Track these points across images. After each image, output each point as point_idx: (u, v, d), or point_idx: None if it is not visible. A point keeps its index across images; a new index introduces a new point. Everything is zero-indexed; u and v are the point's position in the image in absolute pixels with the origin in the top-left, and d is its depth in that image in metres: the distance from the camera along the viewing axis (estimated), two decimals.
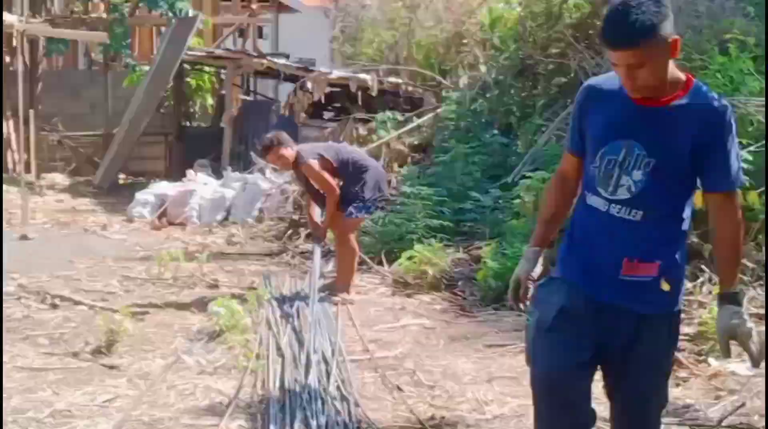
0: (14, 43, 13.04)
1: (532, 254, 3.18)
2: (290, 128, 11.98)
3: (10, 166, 14.51)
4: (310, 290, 7.11)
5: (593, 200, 2.96)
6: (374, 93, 13.02)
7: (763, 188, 6.81)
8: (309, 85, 12.68)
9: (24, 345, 5.98)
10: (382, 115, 11.84)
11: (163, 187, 12.58)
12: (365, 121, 12.14)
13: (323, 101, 13.79)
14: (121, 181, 16.01)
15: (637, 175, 2.87)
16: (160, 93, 15.23)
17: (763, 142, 7.00)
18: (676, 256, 2.98)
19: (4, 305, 6.96)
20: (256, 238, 10.72)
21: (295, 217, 10.71)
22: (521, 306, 3.20)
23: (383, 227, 9.14)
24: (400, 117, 11.92)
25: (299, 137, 12.60)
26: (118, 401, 4.94)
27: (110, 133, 16.06)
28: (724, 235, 2.94)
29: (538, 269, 3.17)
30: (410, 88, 13.12)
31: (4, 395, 4.90)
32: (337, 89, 14.30)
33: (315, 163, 7.26)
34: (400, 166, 11.06)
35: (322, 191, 7.45)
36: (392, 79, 13.60)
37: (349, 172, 7.36)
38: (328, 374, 5.35)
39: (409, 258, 8.12)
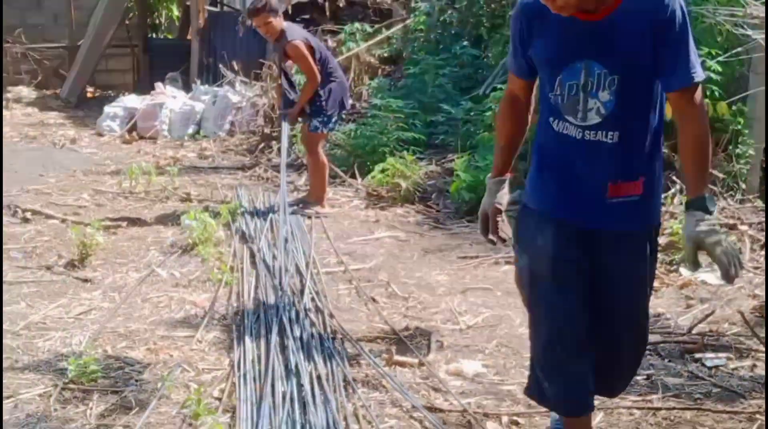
0: None
1: (495, 185, 3.12)
2: (256, 40, 11.82)
3: None
4: (281, 186, 7.13)
5: (563, 127, 2.86)
6: (342, 3, 12.82)
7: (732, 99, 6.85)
8: None
9: None
10: (351, 26, 11.67)
11: (131, 101, 12.40)
12: (334, 33, 11.97)
13: (290, 12, 13.54)
14: (89, 95, 15.74)
15: (605, 95, 2.76)
16: (124, 3, 14.88)
17: (733, 51, 6.98)
18: (656, 169, 2.91)
19: None
20: (227, 152, 10.64)
21: (267, 130, 10.62)
22: (494, 239, 3.15)
23: (355, 140, 9.10)
24: (369, 29, 11.76)
25: (267, 51, 12.45)
26: (93, 313, 4.96)
27: (75, 45, 15.71)
28: (688, 136, 2.79)
29: (505, 199, 3.11)
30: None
31: None
32: (305, 0, 14.05)
33: (301, 44, 7.17)
34: (371, 78, 10.96)
35: (292, 74, 7.36)
36: None
37: (322, 74, 7.29)
38: (303, 286, 5.40)
39: (382, 171, 8.12)
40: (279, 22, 7.18)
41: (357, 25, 11.74)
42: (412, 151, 8.59)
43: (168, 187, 8.18)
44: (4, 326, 4.63)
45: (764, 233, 6.15)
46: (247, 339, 4.50)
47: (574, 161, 2.87)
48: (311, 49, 7.24)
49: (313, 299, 5.20)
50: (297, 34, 7.28)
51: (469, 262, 6.15)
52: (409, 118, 9.16)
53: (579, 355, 2.95)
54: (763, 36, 6.64)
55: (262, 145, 10.37)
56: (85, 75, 15.02)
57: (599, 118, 2.79)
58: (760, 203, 6.73)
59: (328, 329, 4.75)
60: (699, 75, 2.76)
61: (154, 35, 16.57)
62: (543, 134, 2.98)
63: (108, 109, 12.22)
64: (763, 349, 4.39)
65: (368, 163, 8.65)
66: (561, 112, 2.85)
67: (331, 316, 4.96)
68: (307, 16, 14.83)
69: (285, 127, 7.61)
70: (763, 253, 5.92)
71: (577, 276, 2.91)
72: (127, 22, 16.36)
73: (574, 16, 2.72)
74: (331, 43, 11.56)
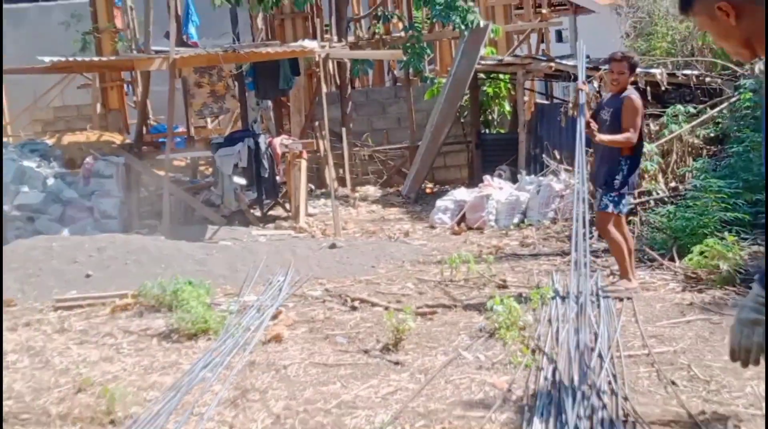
0: (320, 67, 14.14)
1: None
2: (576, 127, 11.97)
3: (328, 181, 15.61)
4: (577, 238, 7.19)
5: None
6: (663, 87, 12.70)
7: None
8: (595, 83, 12.62)
9: (323, 343, 6.55)
10: (673, 108, 11.53)
11: (461, 194, 13.04)
12: (656, 117, 11.87)
13: None
14: (428, 191, 16.67)
15: None
16: (457, 103, 15.74)
17: None
18: None
19: (309, 307, 7.69)
20: (549, 239, 10.84)
21: (588, 216, 10.67)
22: None
23: (674, 222, 8.96)
24: (692, 109, 11.55)
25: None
26: (399, 394, 5.31)
27: (415, 145, 16.81)
28: None
29: None
30: (707, 79, 12.62)
31: (300, 387, 5.46)
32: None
33: (640, 102, 7.41)
34: (694, 159, 10.73)
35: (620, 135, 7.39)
36: (687, 72, 13.16)
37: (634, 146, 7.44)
38: (601, 369, 5.43)
39: (701, 253, 7.92)
40: (629, 79, 7.51)
41: (679, 107, 11.57)
42: (735, 232, 8.30)
43: (485, 274, 8.51)
44: (319, 405, 5.14)
45: None
46: (537, 420, 4.63)
47: None
48: (640, 109, 7.45)
49: (609, 382, 5.22)
50: (638, 95, 7.54)
51: None
52: (731, 198, 8.86)
53: None
54: None
55: (583, 231, 10.42)
56: (423, 172, 15.96)
57: None
58: None
59: (620, 412, 4.75)
60: None
61: (486, 131, 17.26)
62: None
63: (440, 202, 12.94)
64: None
65: (688, 246, 8.46)
66: None
67: (626, 398, 4.95)
68: None
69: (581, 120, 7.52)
70: None
71: None
72: (462, 120, 17.26)
73: None
74: (653, 126, 11.49)
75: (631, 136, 7.33)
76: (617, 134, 7.38)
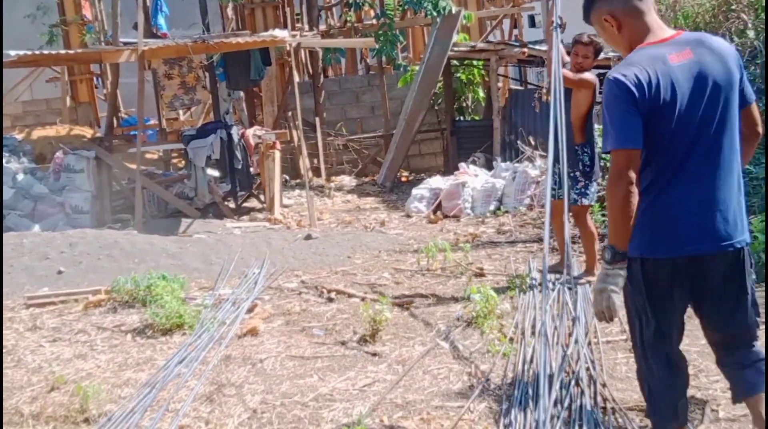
0: (291, 56, 14.03)
1: None
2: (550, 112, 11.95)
3: (302, 172, 15.50)
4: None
5: None
6: None
7: None
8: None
9: (300, 336, 6.48)
10: None
11: (436, 182, 12.99)
12: None
13: None
14: (403, 179, 16.60)
15: None
16: (430, 91, 15.66)
17: None
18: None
19: (285, 300, 7.61)
20: (525, 226, 10.80)
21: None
22: None
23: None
24: None
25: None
26: (376, 385, 5.27)
27: (390, 133, 16.72)
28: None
29: None
30: None
31: (276, 381, 5.40)
32: (604, 70, 14.05)
33: (594, 79, 7.35)
34: None
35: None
36: None
37: (587, 128, 7.40)
38: (579, 356, 5.40)
39: None
40: (592, 64, 7.46)
41: None
42: None
43: (462, 262, 8.46)
44: (296, 398, 5.08)
45: None
46: (516, 409, 4.59)
47: None
48: (594, 88, 7.38)
49: (588, 369, 5.19)
50: (594, 77, 7.46)
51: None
52: None
53: None
54: None
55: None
56: (398, 160, 15.89)
57: None
58: None
59: (599, 398, 4.72)
60: (607, 146, 3.33)
61: (461, 118, 17.19)
62: None
63: (415, 191, 12.88)
64: None
65: None
66: None
67: (604, 385, 4.92)
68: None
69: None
70: None
71: None
72: (436, 108, 17.19)
73: None
74: None
75: (572, 76, 7.22)
76: (571, 115, 7.33)
